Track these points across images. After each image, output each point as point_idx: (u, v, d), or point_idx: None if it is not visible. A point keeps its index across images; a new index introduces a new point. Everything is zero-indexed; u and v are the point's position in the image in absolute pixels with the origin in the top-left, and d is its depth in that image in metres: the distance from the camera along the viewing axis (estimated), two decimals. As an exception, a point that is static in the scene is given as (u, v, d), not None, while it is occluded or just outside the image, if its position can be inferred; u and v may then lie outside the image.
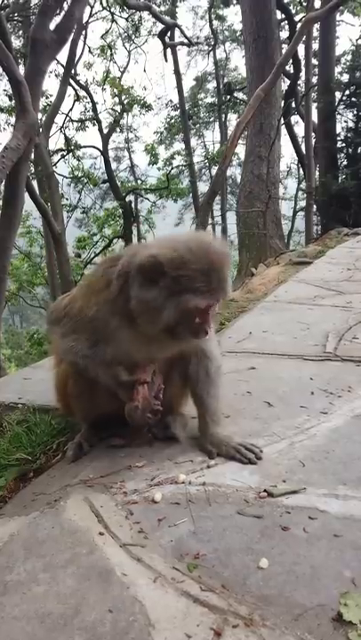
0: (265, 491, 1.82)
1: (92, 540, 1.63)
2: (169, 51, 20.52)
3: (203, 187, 23.57)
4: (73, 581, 1.46)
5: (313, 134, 16.93)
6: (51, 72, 17.94)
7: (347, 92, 15.99)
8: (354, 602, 1.31)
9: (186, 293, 1.81)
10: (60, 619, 1.33)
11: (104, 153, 20.86)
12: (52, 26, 7.09)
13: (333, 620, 1.28)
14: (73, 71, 17.32)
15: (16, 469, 2.29)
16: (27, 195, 10.32)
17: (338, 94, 16.29)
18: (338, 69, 18.06)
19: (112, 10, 18.60)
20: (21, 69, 7.49)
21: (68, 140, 19.67)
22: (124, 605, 1.36)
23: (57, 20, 7.53)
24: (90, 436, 2.31)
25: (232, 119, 24.86)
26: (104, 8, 18.19)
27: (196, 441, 2.22)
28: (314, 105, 17.28)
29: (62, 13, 7.80)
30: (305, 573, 1.45)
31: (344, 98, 16.10)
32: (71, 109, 19.75)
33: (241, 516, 1.71)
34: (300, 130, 19.21)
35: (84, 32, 17.49)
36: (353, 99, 15.70)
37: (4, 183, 6.33)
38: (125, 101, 21.00)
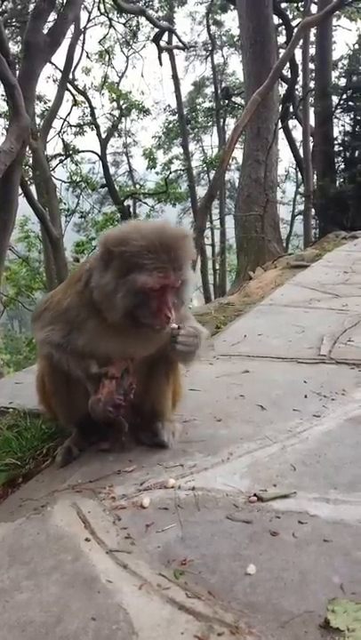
0: (255, 495, 1.80)
1: (78, 547, 1.60)
2: (167, 55, 20.66)
3: (201, 191, 23.52)
4: (57, 589, 1.43)
5: (311, 138, 16.98)
6: (49, 77, 18.08)
7: (344, 97, 16.02)
8: (342, 608, 1.28)
9: (132, 272, 1.81)
10: (42, 627, 1.30)
11: (102, 157, 20.92)
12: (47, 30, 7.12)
13: (321, 626, 1.26)
14: (71, 76, 17.40)
15: (5, 475, 2.26)
16: (25, 199, 10.37)
17: (335, 98, 16.32)
18: (335, 74, 18.04)
19: (110, 15, 18.68)
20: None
21: (66, 144, 19.73)
22: (107, 613, 1.33)
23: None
24: (80, 440, 2.28)
25: (230, 123, 24.82)
26: (102, 14, 18.29)
27: (187, 444, 2.19)
28: (311, 109, 17.32)
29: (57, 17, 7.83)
30: (293, 579, 1.42)
31: (341, 102, 16.13)
32: (69, 114, 19.86)
33: (230, 521, 1.68)
34: (297, 134, 19.31)
35: (81, 37, 17.61)
36: (350, 103, 15.74)
37: (-3, 187, 6.34)
38: (124, 106, 21.08)
